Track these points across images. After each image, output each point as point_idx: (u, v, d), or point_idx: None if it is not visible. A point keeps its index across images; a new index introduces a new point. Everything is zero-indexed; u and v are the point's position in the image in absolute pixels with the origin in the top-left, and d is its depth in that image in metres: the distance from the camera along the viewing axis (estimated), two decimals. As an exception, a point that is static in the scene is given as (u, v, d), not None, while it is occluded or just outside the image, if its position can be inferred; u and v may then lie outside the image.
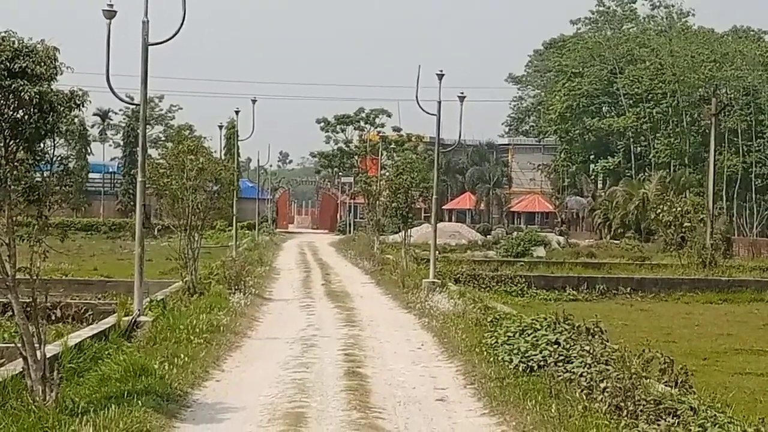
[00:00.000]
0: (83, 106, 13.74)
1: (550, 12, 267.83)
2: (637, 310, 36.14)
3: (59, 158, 13.94)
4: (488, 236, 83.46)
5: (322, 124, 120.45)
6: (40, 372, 13.30)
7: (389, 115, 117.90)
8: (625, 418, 12.96)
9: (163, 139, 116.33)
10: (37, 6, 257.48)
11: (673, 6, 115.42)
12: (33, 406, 13.00)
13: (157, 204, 34.63)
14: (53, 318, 23.96)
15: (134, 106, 67.96)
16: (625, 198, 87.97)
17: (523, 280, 41.01)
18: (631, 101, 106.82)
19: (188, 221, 31.32)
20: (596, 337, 17.91)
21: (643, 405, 13.12)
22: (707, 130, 74.83)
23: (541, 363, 17.01)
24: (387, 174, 61.52)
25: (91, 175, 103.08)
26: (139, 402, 14.02)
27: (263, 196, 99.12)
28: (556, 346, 17.42)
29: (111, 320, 21.24)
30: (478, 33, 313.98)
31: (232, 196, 45.30)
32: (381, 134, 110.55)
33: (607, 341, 17.65)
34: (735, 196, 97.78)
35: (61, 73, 13.33)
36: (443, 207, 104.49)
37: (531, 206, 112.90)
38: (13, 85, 12.72)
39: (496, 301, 30.46)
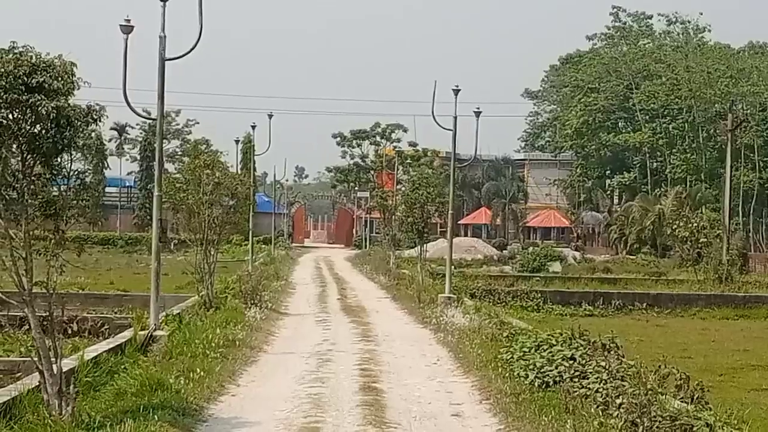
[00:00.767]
0: (100, 121, 13.77)
1: (567, 28, 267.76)
2: (653, 325, 36.02)
3: (76, 173, 13.96)
4: (504, 251, 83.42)
5: (339, 139, 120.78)
6: (57, 386, 13.30)
7: (405, 131, 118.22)
8: (641, 434, 12.89)
9: (179, 153, 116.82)
10: (55, 20, 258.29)
11: (689, 22, 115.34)
12: (49, 421, 12.99)
13: (173, 218, 34.62)
14: (69, 332, 23.94)
15: (151, 121, 67.87)
16: (641, 213, 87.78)
17: (539, 295, 40.88)
18: (647, 117, 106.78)
19: (204, 236, 31.34)
20: (612, 352, 17.82)
21: (659, 421, 13.05)
22: (723, 146, 74.63)
23: (557, 378, 16.94)
24: (403, 189, 61.57)
25: (107, 190, 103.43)
26: (155, 416, 14.01)
27: (279, 210, 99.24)
28: (571, 362, 17.35)
29: (127, 334, 21.24)
30: (495, 48, 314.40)
31: (249, 211, 45.29)
32: (397, 149, 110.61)
33: (623, 357, 17.57)
34: (751, 211, 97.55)
35: (78, 88, 13.34)
36: (459, 222, 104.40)
37: (547, 221, 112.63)
38: (31, 100, 12.74)
39: (512, 316, 30.40)
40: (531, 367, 17.96)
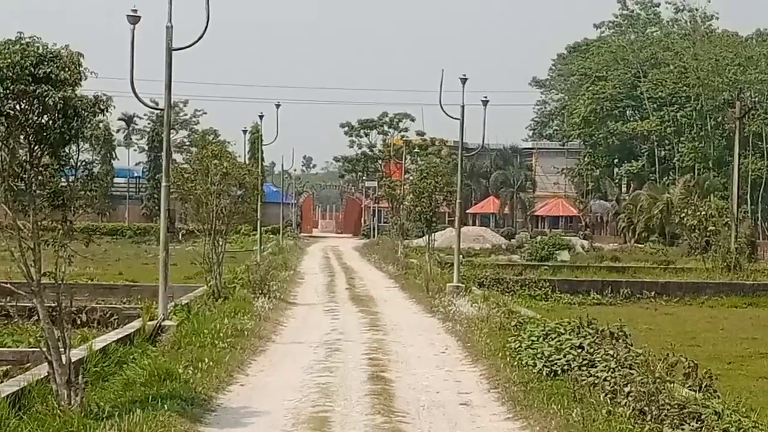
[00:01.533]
0: (107, 111, 13.76)
1: (574, 16, 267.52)
2: (662, 314, 35.99)
3: (84, 163, 13.97)
4: (512, 240, 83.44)
5: (346, 128, 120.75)
6: (65, 376, 13.33)
7: (413, 120, 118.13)
8: (649, 423, 12.89)
9: (187, 143, 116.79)
10: (61, 11, 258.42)
11: (696, 10, 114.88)
12: (58, 411, 13.03)
13: (181, 208, 34.71)
14: (78, 322, 24.00)
15: (159, 111, 68.03)
16: (650, 202, 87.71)
17: (547, 284, 40.88)
18: (655, 105, 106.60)
19: (213, 226, 31.35)
20: (620, 341, 17.83)
21: (667, 409, 13.05)
22: (731, 134, 74.46)
23: (565, 367, 16.95)
24: (411, 178, 61.61)
25: (116, 180, 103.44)
26: (164, 406, 14.03)
27: (287, 200, 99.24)
28: (580, 351, 17.36)
29: (136, 324, 21.28)
30: (502, 37, 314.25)
31: (257, 201, 45.29)
32: (405, 138, 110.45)
33: (631, 345, 17.59)
34: (760, 199, 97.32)
35: (86, 78, 13.33)
36: (467, 211, 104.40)
37: (555, 210, 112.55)
38: (38, 91, 12.74)
39: (520, 305, 30.39)
40: (539, 355, 17.97)
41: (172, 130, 39.05)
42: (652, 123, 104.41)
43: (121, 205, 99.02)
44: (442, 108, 37.22)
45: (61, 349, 13.41)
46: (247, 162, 56.30)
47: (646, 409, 13.28)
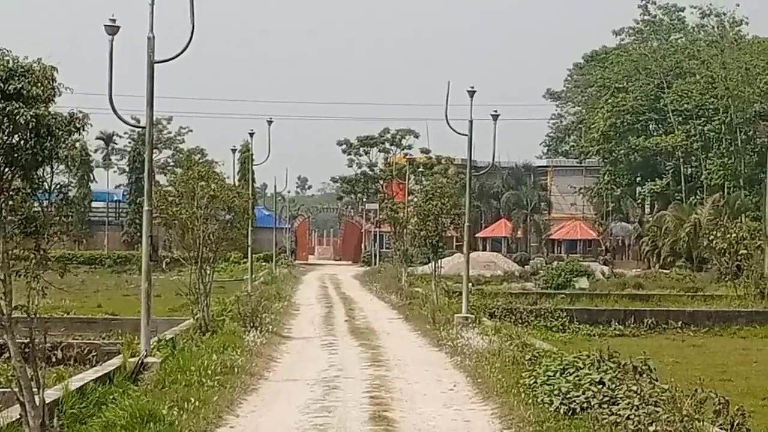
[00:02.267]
0: (84, 130, 13.81)
1: (591, 22, 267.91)
2: (689, 345, 35.98)
3: (58, 186, 14.01)
4: (526, 266, 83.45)
5: (344, 146, 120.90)
6: (39, 419, 13.32)
7: (417, 136, 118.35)
8: (677, 465, 12.88)
9: (171, 164, 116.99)
10: (35, 21, 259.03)
11: (724, 14, 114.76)
12: (31, 456, 13.02)
13: (165, 235, 34.70)
14: (53, 360, 24.02)
15: (140, 129, 68.20)
16: (675, 223, 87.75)
17: (565, 314, 40.86)
18: (680, 118, 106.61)
19: (199, 253, 31.37)
20: (644, 375, 17.84)
21: (697, 450, 13.04)
22: (764, 149, 74.71)
23: (585, 405, 16.95)
24: (415, 200, 61.58)
25: (94, 204, 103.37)
26: (146, 451, 14.02)
27: (281, 225, 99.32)
28: (600, 387, 17.35)
29: (116, 362, 21.28)
30: (513, 46, 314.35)
31: (247, 226, 45.35)
32: (408, 156, 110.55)
33: (657, 380, 17.58)
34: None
35: (60, 95, 13.38)
36: (477, 235, 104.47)
37: (572, 233, 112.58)
38: (8, 108, 12.78)
39: (535, 337, 30.44)
40: (556, 392, 17.96)
41: (154, 150, 39.11)
42: (677, 138, 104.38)
43: (99, 232, 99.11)
44: (448, 123, 37.31)
45: (35, 389, 13.40)
46: (236, 184, 56.40)
47: (673, 450, 13.27)
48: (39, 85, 13.05)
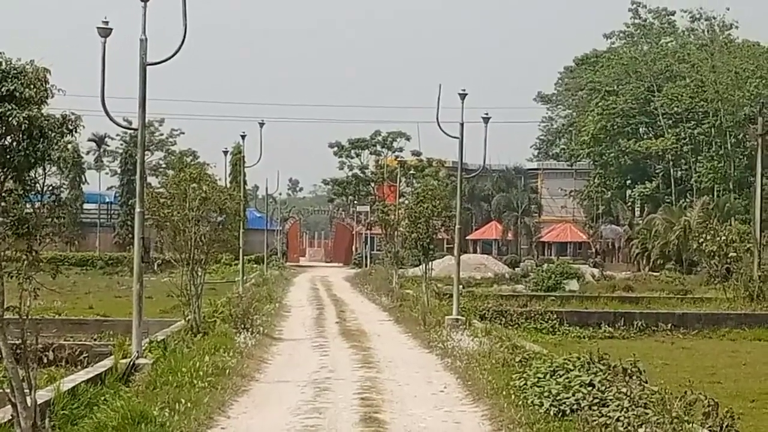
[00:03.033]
0: (76, 132, 13.78)
1: (582, 26, 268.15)
2: (679, 348, 35.98)
3: (51, 188, 13.97)
4: (516, 269, 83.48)
5: (336, 148, 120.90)
6: (30, 420, 13.30)
7: (408, 139, 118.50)
8: (666, 467, 12.90)
9: (163, 166, 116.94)
10: (28, 23, 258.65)
11: (714, 18, 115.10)
12: (23, 457, 13.01)
13: (157, 236, 34.61)
14: (45, 361, 24.00)
15: (132, 131, 68.07)
16: (665, 226, 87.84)
17: (555, 316, 40.81)
18: (670, 121, 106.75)
19: (191, 255, 31.34)
20: (634, 377, 17.83)
21: (686, 452, 13.06)
22: (753, 152, 74.52)
23: (574, 407, 16.96)
24: (406, 202, 61.61)
25: (85, 206, 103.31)
26: (138, 452, 14.01)
27: (272, 227, 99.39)
28: (590, 389, 17.37)
29: (107, 363, 21.25)
30: (504, 49, 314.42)
31: (239, 228, 45.31)
32: (399, 159, 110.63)
33: (646, 382, 17.58)
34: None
35: (52, 96, 13.36)
36: (467, 237, 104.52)
37: (563, 236, 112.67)
38: (0, 110, 12.75)
39: (526, 339, 30.41)
40: (546, 394, 17.97)
41: (146, 152, 39.08)
42: (667, 141, 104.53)
43: (91, 233, 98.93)
44: (439, 126, 37.34)
45: (26, 391, 13.38)
46: (228, 186, 56.35)
47: (663, 451, 13.28)
48: (32, 86, 13.04)
